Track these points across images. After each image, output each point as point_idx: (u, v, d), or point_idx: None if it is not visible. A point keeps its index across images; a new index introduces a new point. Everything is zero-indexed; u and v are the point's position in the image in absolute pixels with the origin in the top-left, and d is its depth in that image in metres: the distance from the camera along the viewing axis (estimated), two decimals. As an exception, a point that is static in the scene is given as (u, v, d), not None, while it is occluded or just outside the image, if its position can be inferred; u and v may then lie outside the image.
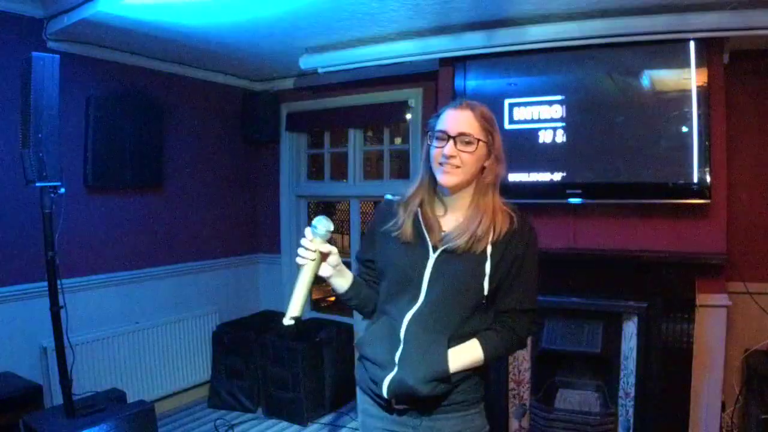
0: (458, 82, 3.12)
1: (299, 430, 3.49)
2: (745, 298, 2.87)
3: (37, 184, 2.22)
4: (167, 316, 3.72)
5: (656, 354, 2.75)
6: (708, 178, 2.61)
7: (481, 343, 1.41)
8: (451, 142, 1.39)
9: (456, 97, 3.09)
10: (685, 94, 2.64)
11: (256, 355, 3.70)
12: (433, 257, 1.42)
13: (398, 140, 4.42)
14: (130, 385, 3.34)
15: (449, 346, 1.39)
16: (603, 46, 2.74)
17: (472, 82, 3.09)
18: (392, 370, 1.40)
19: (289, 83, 4.30)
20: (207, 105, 4.08)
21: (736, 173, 2.92)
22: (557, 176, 2.88)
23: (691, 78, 2.62)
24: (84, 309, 3.21)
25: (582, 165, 2.85)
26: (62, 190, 2.28)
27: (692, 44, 2.61)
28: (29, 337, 2.96)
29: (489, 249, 1.39)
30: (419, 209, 1.47)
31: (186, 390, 3.82)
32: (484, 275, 1.38)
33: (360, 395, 1.56)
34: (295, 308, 1.35)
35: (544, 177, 2.91)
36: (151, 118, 3.57)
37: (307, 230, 1.41)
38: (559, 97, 2.87)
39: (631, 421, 2.81)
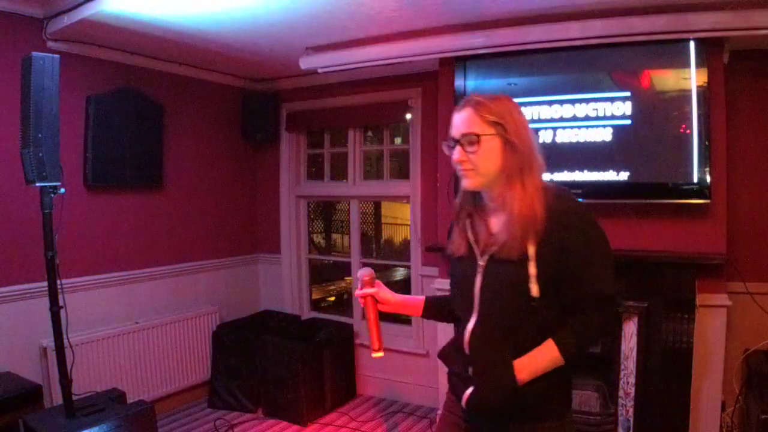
0: (458, 82, 3.12)
1: (299, 430, 3.49)
2: (745, 298, 2.87)
3: (37, 184, 2.22)
4: (167, 316, 3.71)
5: (656, 354, 2.75)
6: (708, 178, 2.61)
7: (556, 341, 1.31)
8: (458, 147, 1.36)
9: (457, 97, 3.10)
10: (685, 94, 2.64)
11: (256, 355, 3.70)
12: (480, 266, 1.37)
13: (398, 140, 4.42)
14: (130, 385, 3.34)
15: (516, 353, 1.32)
16: (603, 46, 2.74)
17: (472, 82, 3.09)
18: (470, 385, 1.39)
19: (289, 83, 4.31)
20: (207, 105, 4.08)
21: (736, 173, 2.92)
22: (557, 176, 2.88)
23: (691, 78, 2.62)
24: (84, 309, 3.21)
25: (582, 165, 2.85)
26: (62, 190, 2.28)
27: (692, 44, 2.61)
28: (29, 337, 2.96)
29: (531, 249, 1.28)
30: (468, 221, 1.44)
31: (186, 390, 3.82)
32: (529, 277, 1.28)
33: (448, 394, 1.59)
34: (374, 342, 1.53)
35: (544, 177, 2.90)
36: (151, 118, 3.58)
37: (355, 282, 1.53)
38: (559, 97, 2.88)
39: (631, 421, 2.81)
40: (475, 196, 1.44)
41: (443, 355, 1.54)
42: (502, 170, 1.34)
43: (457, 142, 1.36)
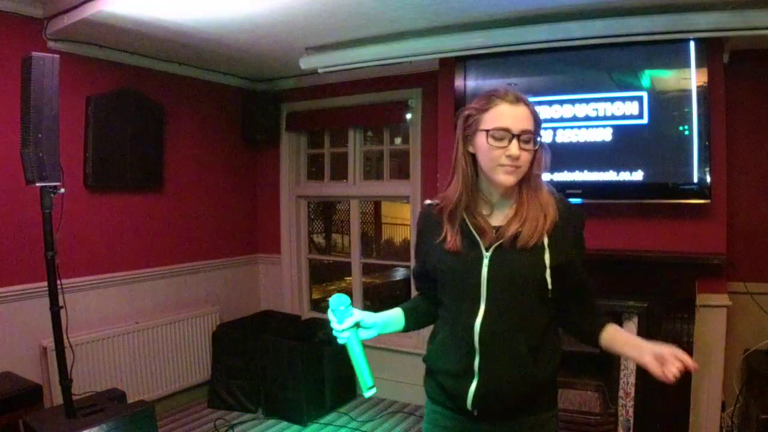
0: (458, 82, 3.12)
1: (299, 430, 3.49)
2: (745, 298, 2.87)
3: (37, 184, 2.22)
4: (167, 316, 3.72)
5: (656, 354, 2.74)
6: (708, 178, 2.61)
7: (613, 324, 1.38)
8: (515, 141, 1.30)
9: (457, 97, 3.10)
10: (685, 94, 2.64)
11: (256, 355, 3.70)
12: (487, 257, 1.34)
13: (398, 140, 4.42)
14: (130, 385, 3.34)
15: (529, 343, 1.34)
16: (603, 46, 2.74)
17: (472, 82, 3.09)
18: (473, 380, 1.35)
19: (289, 83, 4.31)
20: (207, 105, 4.08)
21: (736, 173, 2.92)
22: (557, 176, 2.88)
23: (691, 78, 2.62)
24: (84, 309, 3.22)
25: (582, 165, 2.85)
26: (62, 190, 2.28)
27: (692, 44, 2.61)
28: (29, 337, 2.96)
29: (546, 240, 1.32)
30: (464, 215, 1.39)
31: (186, 390, 3.82)
32: (545, 267, 1.32)
33: (429, 405, 1.51)
34: (365, 379, 1.32)
35: (543, 177, 2.90)
36: (151, 118, 3.58)
37: (330, 316, 1.36)
38: (559, 97, 2.88)
39: (631, 421, 2.81)
40: (471, 190, 1.40)
41: (432, 357, 1.47)
42: (532, 171, 1.36)
43: (514, 136, 1.31)
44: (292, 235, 4.45)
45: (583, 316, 1.42)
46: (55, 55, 2.24)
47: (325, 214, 5.69)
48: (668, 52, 2.67)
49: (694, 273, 2.70)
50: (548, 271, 1.32)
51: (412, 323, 1.52)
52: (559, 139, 2.88)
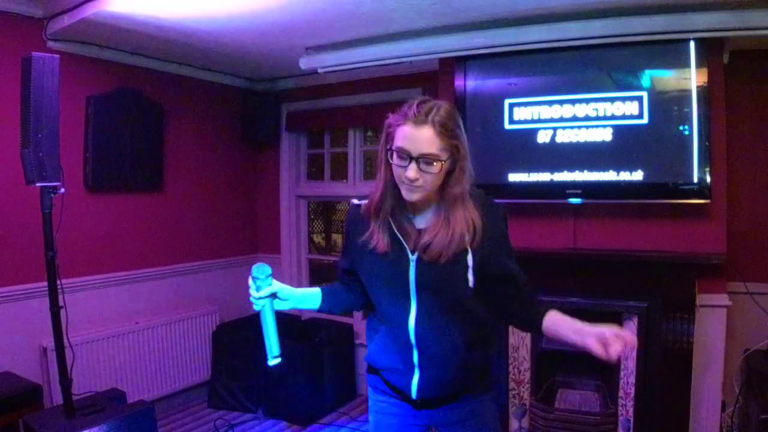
0: (458, 82, 3.12)
1: (299, 430, 3.49)
2: (745, 298, 2.87)
3: (37, 184, 2.22)
4: (167, 316, 3.71)
5: (656, 354, 2.74)
6: (708, 178, 2.61)
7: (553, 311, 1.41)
8: (413, 164, 1.32)
9: (457, 97, 3.10)
10: (685, 94, 2.64)
11: (256, 355, 3.70)
12: (413, 260, 1.41)
13: (398, 140, 4.41)
14: (130, 385, 3.34)
15: (463, 334, 1.43)
16: (603, 46, 2.74)
17: (472, 82, 3.09)
18: (414, 373, 1.46)
19: (289, 83, 4.31)
20: (207, 105, 4.08)
21: (736, 173, 2.92)
22: (557, 176, 2.88)
23: (691, 78, 2.62)
24: (84, 309, 3.21)
25: (581, 165, 2.85)
26: (62, 190, 2.28)
27: (692, 44, 2.61)
28: (29, 337, 2.96)
29: (467, 244, 1.38)
30: (390, 217, 1.43)
31: (186, 390, 3.82)
32: (467, 267, 1.38)
33: (374, 396, 1.61)
34: (273, 348, 1.41)
35: (544, 177, 2.91)
36: (151, 118, 3.58)
37: (250, 283, 1.44)
38: (559, 97, 2.88)
39: (631, 421, 2.81)
40: (397, 193, 1.42)
41: (374, 356, 1.55)
42: (449, 189, 1.38)
43: (413, 159, 1.32)
44: (292, 235, 4.45)
45: (521, 306, 1.45)
46: (55, 55, 2.24)
47: (325, 214, 5.69)
48: (668, 52, 2.67)
49: (694, 273, 2.70)
50: (470, 270, 1.38)
51: (327, 305, 1.57)
52: (559, 139, 2.88)
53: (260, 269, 1.43)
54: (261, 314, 1.44)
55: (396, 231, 1.42)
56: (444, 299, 1.41)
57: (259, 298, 1.42)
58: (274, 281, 1.44)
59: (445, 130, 1.33)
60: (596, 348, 1.22)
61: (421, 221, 1.45)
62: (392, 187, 1.41)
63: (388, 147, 1.38)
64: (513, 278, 1.45)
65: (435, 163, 1.32)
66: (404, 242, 1.41)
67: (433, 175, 1.34)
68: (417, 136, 1.32)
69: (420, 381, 1.46)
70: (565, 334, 1.33)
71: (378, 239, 1.42)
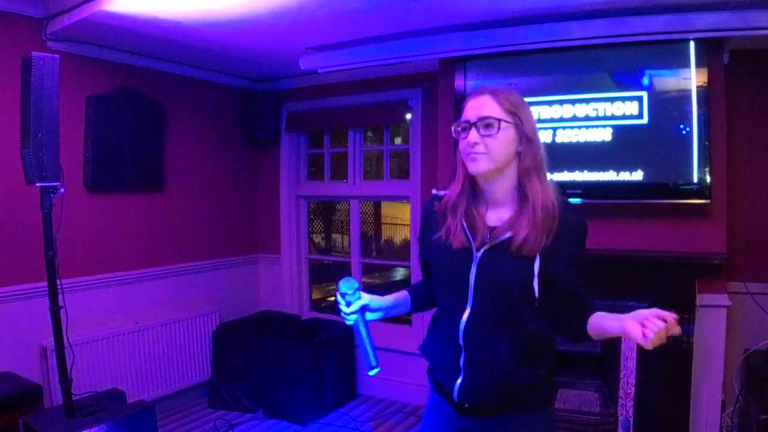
0: (458, 82, 3.12)
1: (299, 430, 3.49)
2: (745, 298, 2.87)
3: (37, 184, 2.22)
4: (167, 316, 3.72)
5: (656, 354, 2.74)
6: (708, 178, 2.61)
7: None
8: (473, 129, 1.32)
9: (457, 97, 3.10)
10: (685, 94, 2.64)
11: (256, 355, 3.70)
12: (477, 258, 1.35)
13: (398, 140, 4.42)
14: (130, 385, 3.34)
15: (513, 346, 1.34)
16: (603, 46, 2.74)
17: (472, 82, 3.09)
18: (459, 375, 1.38)
19: (289, 83, 4.31)
20: (207, 105, 4.08)
21: (736, 173, 2.92)
22: (557, 176, 2.88)
23: (691, 78, 2.62)
24: (84, 309, 3.21)
25: (581, 165, 2.85)
26: (62, 190, 2.28)
27: (692, 44, 2.61)
28: (29, 337, 2.96)
29: (540, 246, 1.30)
30: (463, 213, 1.39)
31: (186, 390, 3.82)
32: (533, 275, 1.30)
33: (431, 391, 1.55)
34: (371, 359, 1.38)
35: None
36: (151, 118, 3.58)
37: (339, 299, 1.40)
38: (559, 97, 2.88)
39: (631, 421, 2.81)
40: (473, 187, 1.41)
41: (426, 348, 1.51)
42: (520, 163, 1.34)
43: (472, 125, 1.32)
44: (292, 235, 4.45)
45: (576, 323, 1.40)
46: (55, 55, 2.24)
47: (325, 214, 5.69)
48: (668, 52, 2.67)
49: (694, 273, 2.70)
50: (536, 280, 1.30)
51: (418, 306, 1.59)
52: (559, 139, 2.88)
53: (347, 284, 1.39)
54: (354, 328, 1.41)
55: (466, 227, 1.38)
56: (501, 305, 1.34)
57: (351, 313, 1.39)
58: (363, 293, 1.42)
59: (502, 95, 1.35)
60: (634, 329, 1.21)
61: (494, 218, 1.38)
62: (468, 182, 1.40)
63: (456, 136, 1.38)
64: (580, 297, 1.38)
65: (494, 125, 1.31)
66: (471, 239, 1.36)
67: (494, 139, 1.31)
68: (475, 104, 1.35)
69: (462, 384, 1.38)
70: (609, 325, 1.32)
71: (447, 234, 1.39)
